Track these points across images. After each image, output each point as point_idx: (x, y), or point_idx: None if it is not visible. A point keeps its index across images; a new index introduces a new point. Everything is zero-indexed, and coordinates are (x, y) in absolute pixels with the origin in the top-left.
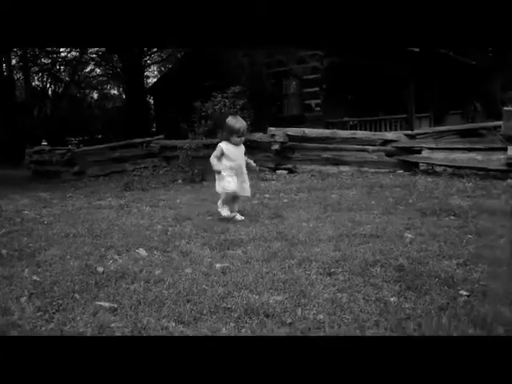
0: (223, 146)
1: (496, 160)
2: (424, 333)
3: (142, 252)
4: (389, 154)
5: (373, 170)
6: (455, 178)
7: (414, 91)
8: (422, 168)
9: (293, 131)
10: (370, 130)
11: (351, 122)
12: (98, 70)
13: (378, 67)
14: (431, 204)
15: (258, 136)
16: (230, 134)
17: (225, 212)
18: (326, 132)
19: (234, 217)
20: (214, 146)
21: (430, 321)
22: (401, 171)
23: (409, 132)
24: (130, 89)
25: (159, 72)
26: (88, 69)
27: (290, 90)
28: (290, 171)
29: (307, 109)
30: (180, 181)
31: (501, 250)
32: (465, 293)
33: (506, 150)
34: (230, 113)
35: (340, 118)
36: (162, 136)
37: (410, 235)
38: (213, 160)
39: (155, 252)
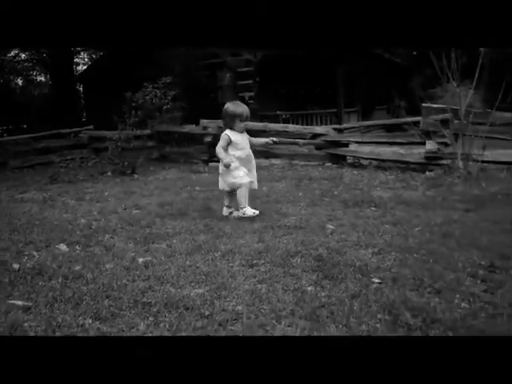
0: (229, 134)
1: (416, 154)
2: (336, 319)
3: (63, 247)
4: (318, 148)
5: (303, 162)
6: (379, 170)
7: (343, 86)
8: (349, 161)
9: None
10: (302, 124)
11: (284, 116)
12: (23, 55)
13: (309, 62)
14: (354, 196)
15: (190, 128)
16: (233, 121)
17: (249, 211)
18: (259, 125)
19: (231, 213)
20: (144, 138)
21: (343, 308)
22: (329, 164)
23: (337, 126)
24: (58, 76)
25: (90, 59)
26: (12, 53)
27: (225, 81)
28: None
29: (241, 101)
30: (109, 173)
31: (413, 238)
32: (377, 280)
33: (424, 144)
34: (161, 104)
35: (273, 111)
36: (91, 126)
37: (331, 226)
38: (220, 152)
39: (77, 247)
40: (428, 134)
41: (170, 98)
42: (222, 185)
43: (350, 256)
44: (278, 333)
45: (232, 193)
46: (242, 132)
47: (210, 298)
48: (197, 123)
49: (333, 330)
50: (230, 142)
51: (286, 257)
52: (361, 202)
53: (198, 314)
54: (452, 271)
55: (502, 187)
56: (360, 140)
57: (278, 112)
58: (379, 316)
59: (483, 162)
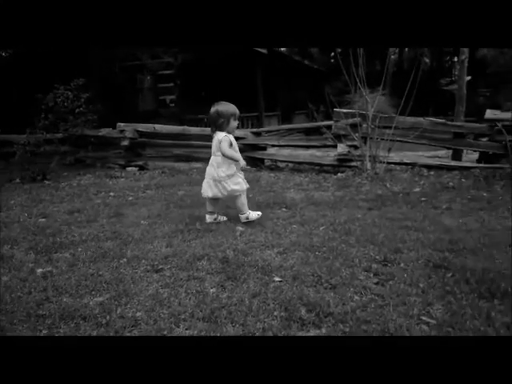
0: (228, 136)
1: (330, 156)
2: (234, 318)
3: None
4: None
5: None
6: (295, 173)
7: (263, 91)
8: (267, 164)
9: (143, 127)
10: None
11: (206, 119)
12: None
13: (230, 66)
14: (268, 198)
15: (106, 131)
16: (228, 121)
17: (253, 215)
18: (177, 128)
19: (217, 218)
20: (56, 142)
21: (242, 308)
22: (248, 167)
23: (255, 130)
24: None
25: None
26: None
27: (145, 84)
28: (141, 168)
29: (162, 104)
30: (18, 180)
31: (317, 237)
32: (277, 279)
33: (336, 147)
34: (74, 106)
35: (195, 114)
36: None
37: (241, 228)
38: (233, 153)
39: None
40: (339, 138)
41: (83, 100)
42: (211, 191)
43: (255, 256)
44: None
45: (216, 200)
46: (233, 132)
47: (110, 306)
48: (114, 127)
49: (229, 330)
50: (230, 145)
51: (193, 260)
52: (273, 204)
53: (95, 324)
54: (348, 266)
55: (404, 187)
56: (277, 143)
57: (200, 115)
58: (275, 313)
59: (389, 163)
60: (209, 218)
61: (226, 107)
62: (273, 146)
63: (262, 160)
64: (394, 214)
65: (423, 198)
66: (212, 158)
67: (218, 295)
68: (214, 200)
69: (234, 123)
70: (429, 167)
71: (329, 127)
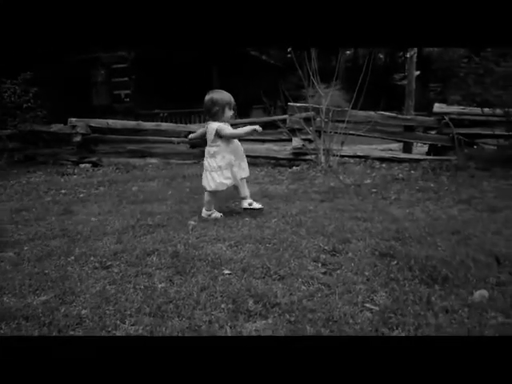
0: (223, 125)
1: (286, 150)
2: (180, 312)
3: None
4: (193, 146)
5: (179, 161)
6: (251, 166)
7: (220, 86)
8: None
9: (96, 122)
10: (181, 122)
11: (162, 114)
12: None
13: (186, 60)
14: (221, 192)
15: (58, 127)
16: (222, 110)
17: (205, 213)
18: (131, 123)
19: (212, 214)
20: (4, 138)
21: (190, 301)
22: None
23: None
24: None
25: None
26: None
27: (98, 78)
28: (95, 164)
29: (117, 99)
30: None
31: (269, 229)
32: (227, 271)
33: (291, 141)
34: (22, 101)
35: (151, 109)
36: None
37: (193, 222)
38: (236, 131)
39: None
40: (294, 132)
41: (31, 94)
42: (209, 183)
43: (206, 250)
44: (120, 333)
45: (214, 193)
46: (228, 122)
47: (54, 305)
48: (65, 122)
49: (175, 324)
50: (221, 136)
51: (143, 256)
52: (226, 198)
53: (38, 323)
54: (298, 257)
55: (356, 179)
56: None
57: (156, 110)
58: (223, 306)
59: (342, 156)
60: (204, 214)
61: (221, 95)
62: None
63: None
64: (344, 205)
65: (374, 190)
66: (206, 149)
67: (167, 290)
68: (212, 194)
69: (228, 112)
70: (381, 160)
71: (284, 121)
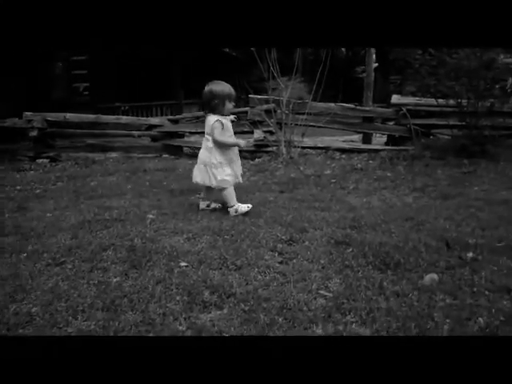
0: (221, 119)
1: (249, 142)
2: (134, 306)
3: None
4: (154, 139)
5: (141, 155)
6: None
7: (184, 78)
8: (185, 151)
9: (53, 116)
10: (143, 116)
11: (123, 108)
12: None
13: (146, 52)
14: (183, 185)
15: (13, 122)
16: (223, 102)
17: (242, 207)
18: (90, 117)
19: (210, 205)
20: None
21: (145, 295)
22: (167, 155)
23: (172, 117)
24: None
25: None
26: None
27: (56, 71)
28: (53, 160)
29: (76, 92)
30: None
31: (227, 220)
32: (183, 264)
33: (253, 133)
34: None
35: (112, 102)
36: None
37: (151, 216)
38: (226, 140)
39: None
40: (255, 124)
41: None
42: (200, 177)
43: (163, 243)
44: (72, 329)
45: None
46: (228, 115)
47: (4, 304)
48: (20, 116)
49: (129, 318)
50: (222, 129)
51: (98, 251)
52: (187, 191)
53: None
54: (255, 248)
55: (316, 169)
56: (195, 130)
57: (116, 104)
58: (178, 298)
59: (304, 147)
60: (202, 205)
61: (222, 87)
62: (190, 133)
63: (180, 148)
64: (304, 195)
65: (333, 180)
66: (204, 142)
67: (121, 284)
68: (208, 187)
69: (229, 105)
70: (341, 151)
71: (245, 113)
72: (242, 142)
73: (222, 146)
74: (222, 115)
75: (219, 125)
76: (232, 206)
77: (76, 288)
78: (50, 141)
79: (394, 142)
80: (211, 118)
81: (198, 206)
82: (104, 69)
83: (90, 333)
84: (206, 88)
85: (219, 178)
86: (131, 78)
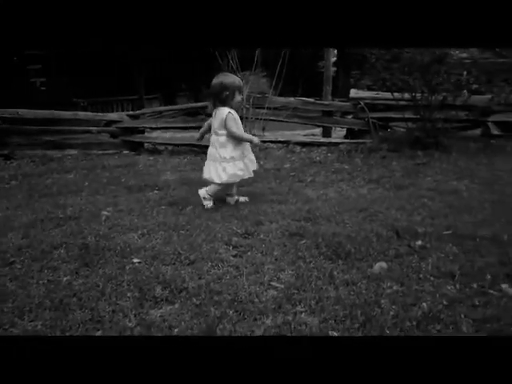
0: (232, 112)
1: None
2: (84, 304)
3: None
4: (114, 135)
5: (100, 151)
6: (175, 155)
7: (142, 73)
8: (146, 147)
9: (6, 112)
10: (103, 111)
11: (82, 103)
12: None
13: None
14: (141, 181)
15: None
16: (233, 95)
17: (208, 203)
18: (45, 113)
19: (237, 199)
20: None
21: (95, 292)
22: (127, 151)
23: (131, 112)
24: None
25: None
26: None
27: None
28: (7, 157)
29: (32, 88)
30: None
31: (184, 216)
32: (136, 260)
33: None
34: None
35: (70, 98)
36: None
37: (106, 213)
38: (244, 134)
39: None
40: None
41: None
42: (208, 173)
43: (117, 240)
44: (19, 330)
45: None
46: (237, 108)
47: None
48: None
49: (77, 316)
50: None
51: (49, 250)
52: (144, 187)
53: None
54: (210, 242)
55: (276, 163)
56: (154, 126)
57: (75, 99)
58: (129, 294)
59: (264, 142)
60: (231, 201)
61: (232, 79)
62: (151, 128)
63: (141, 143)
64: (262, 189)
65: (292, 173)
66: (213, 137)
67: (71, 283)
68: (224, 186)
69: (238, 97)
70: (301, 144)
71: (206, 108)
72: (255, 139)
73: (235, 140)
74: (231, 108)
75: (232, 117)
76: (204, 198)
77: (24, 288)
78: (4, 138)
79: (353, 135)
80: (223, 111)
81: (225, 201)
82: (63, 64)
83: (37, 333)
84: (216, 80)
85: (231, 172)
86: (90, 73)
